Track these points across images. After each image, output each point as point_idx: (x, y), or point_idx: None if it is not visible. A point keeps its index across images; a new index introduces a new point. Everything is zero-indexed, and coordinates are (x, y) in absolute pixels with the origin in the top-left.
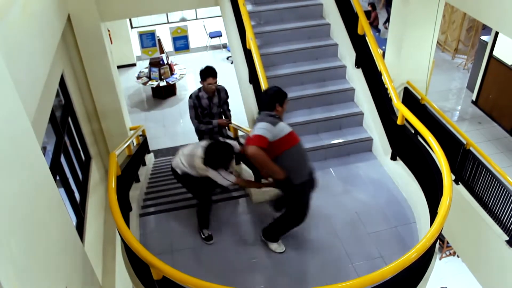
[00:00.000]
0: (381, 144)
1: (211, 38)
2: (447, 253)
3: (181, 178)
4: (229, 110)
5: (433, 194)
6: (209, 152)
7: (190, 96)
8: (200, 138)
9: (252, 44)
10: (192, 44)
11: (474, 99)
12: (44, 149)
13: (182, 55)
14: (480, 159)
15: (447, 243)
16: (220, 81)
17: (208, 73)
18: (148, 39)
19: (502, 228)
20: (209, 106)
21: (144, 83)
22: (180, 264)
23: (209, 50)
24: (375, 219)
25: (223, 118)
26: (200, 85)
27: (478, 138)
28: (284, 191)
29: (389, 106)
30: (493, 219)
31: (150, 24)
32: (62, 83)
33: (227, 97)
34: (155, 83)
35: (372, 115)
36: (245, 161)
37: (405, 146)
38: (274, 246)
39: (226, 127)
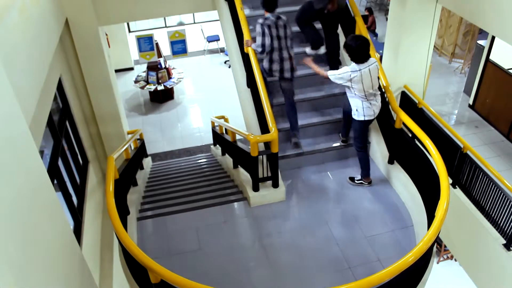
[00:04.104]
0: (379, 148)
1: (209, 42)
2: (445, 256)
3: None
4: None
5: (430, 198)
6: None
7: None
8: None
9: (249, 48)
10: (190, 48)
11: (471, 103)
12: (41, 153)
13: (180, 59)
14: (477, 162)
15: (445, 246)
16: (218, 85)
17: None
18: (146, 43)
19: (499, 232)
20: None
21: (142, 87)
22: (178, 267)
23: (207, 54)
24: (373, 222)
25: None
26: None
27: (475, 142)
28: None
29: (387, 110)
30: (490, 223)
31: (148, 28)
32: (60, 87)
33: None
34: (152, 87)
35: None
36: (242, 165)
37: (402, 149)
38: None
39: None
